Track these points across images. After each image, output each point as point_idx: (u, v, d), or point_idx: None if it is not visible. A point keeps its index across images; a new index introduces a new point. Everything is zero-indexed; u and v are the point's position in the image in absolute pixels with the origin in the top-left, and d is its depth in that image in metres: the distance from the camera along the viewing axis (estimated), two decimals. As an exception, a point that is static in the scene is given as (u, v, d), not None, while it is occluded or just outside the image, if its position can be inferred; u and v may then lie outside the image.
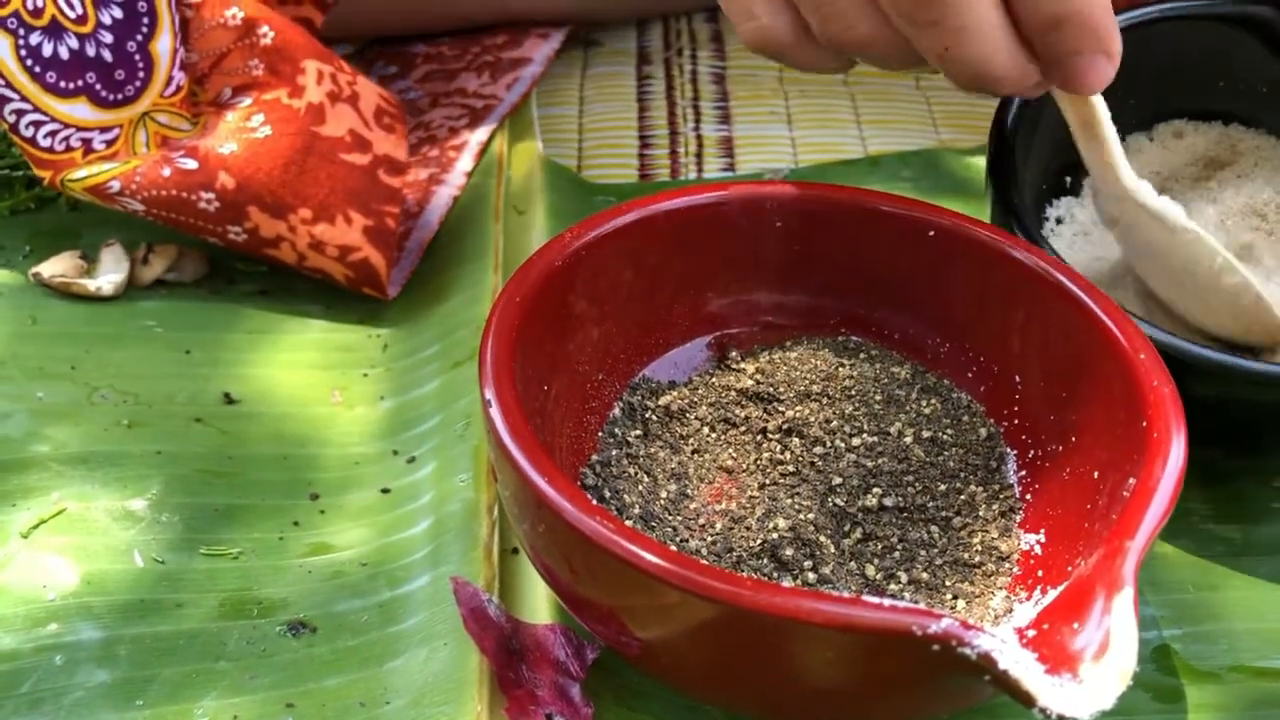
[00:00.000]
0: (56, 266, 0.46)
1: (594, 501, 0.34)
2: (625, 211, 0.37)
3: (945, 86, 0.60)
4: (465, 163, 0.52)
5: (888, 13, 0.33)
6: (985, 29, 0.32)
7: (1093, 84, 0.34)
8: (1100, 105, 0.37)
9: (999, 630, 0.26)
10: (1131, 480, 0.31)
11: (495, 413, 0.30)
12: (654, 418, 0.38)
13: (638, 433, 0.38)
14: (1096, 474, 0.34)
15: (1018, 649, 0.26)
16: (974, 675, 0.26)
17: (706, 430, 0.38)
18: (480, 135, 0.53)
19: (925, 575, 0.34)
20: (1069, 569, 0.33)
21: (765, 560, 0.34)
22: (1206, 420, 0.37)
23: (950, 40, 0.32)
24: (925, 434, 0.37)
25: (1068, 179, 0.45)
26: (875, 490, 0.36)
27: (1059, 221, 0.45)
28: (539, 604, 0.36)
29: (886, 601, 0.26)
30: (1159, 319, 0.40)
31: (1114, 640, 0.26)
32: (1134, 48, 0.43)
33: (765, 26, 0.35)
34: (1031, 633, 0.27)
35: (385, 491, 0.40)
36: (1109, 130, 0.38)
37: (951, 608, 0.34)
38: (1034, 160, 0.43)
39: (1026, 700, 0.25)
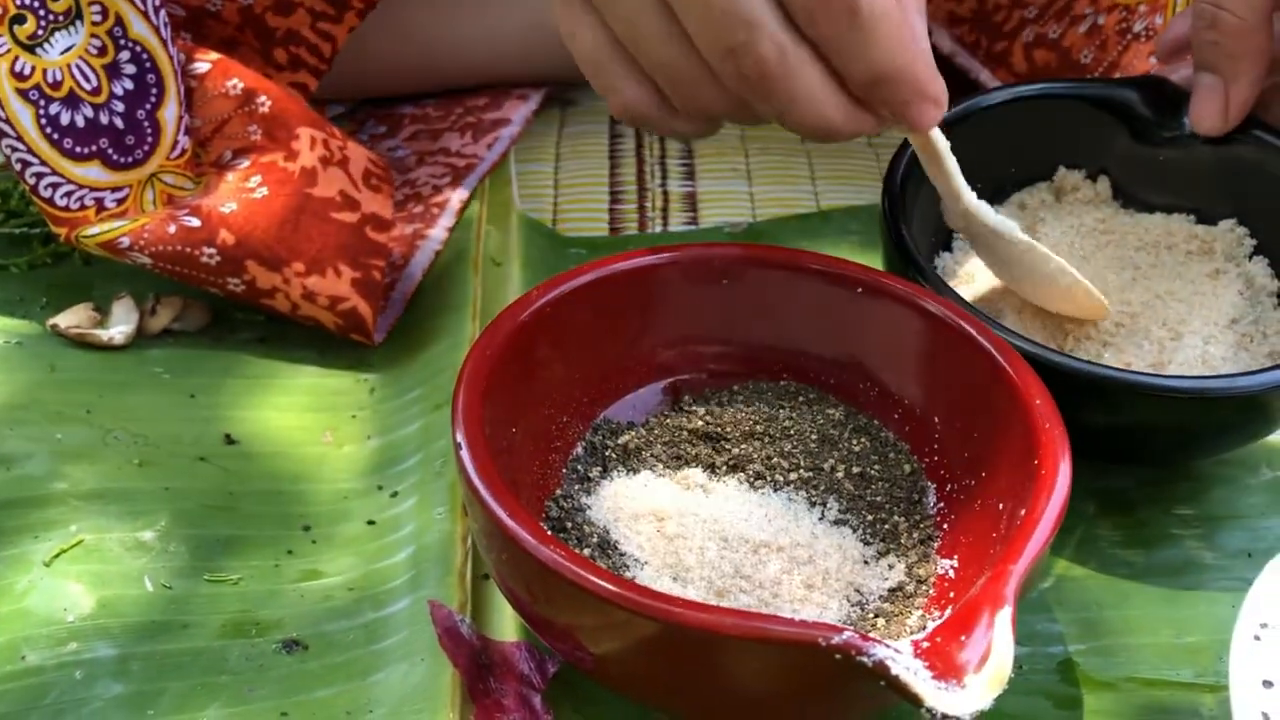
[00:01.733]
0: (72, 318, 0.51)
1: (558, 531, 0.39)
2: (585, 271, 0.42)
3: (894, 143, 0.65)
4: (447, 219, 0.56)
5: (732, 88, 0.36)
6: (814, 94, 0.35)
7: (924, 126, 0.37)
8: (939, 138, 0.41)
9: (896, 643, 0.30)
10: (1022, 511, 0.35)
11: (465, 455, 0.34)
12: (613, 455, 0.42)
13: (598, 469, 0.42)
14: (1001, 505, 0.38)
15: (910, 658, 0.30)
16: (872, 681, 0.30)
17: (660, 466, 0.42)
18: (461, 193, 0.58)
19: None
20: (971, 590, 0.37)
21: (709, 578, 0.38)
22: (1109, 439, 0.42)
23: (784, 107, 0.35)
24: (855, 469, 0.42)
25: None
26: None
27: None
28: (506, 624, 0.40)
29: (796, 617, 0.30)
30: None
31: (994, 651, 0.30)
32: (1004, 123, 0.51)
33: (629, 100, 0.37)
34: (925, 644, 0.31)
35: (371, 523, 0.44)
36: (950, 160, 0.42)
37: (873, 625, 0.38)
38: (922, 213, 0.48)
39: (915, 701, 0.29)
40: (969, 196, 0.43)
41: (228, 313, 0.52)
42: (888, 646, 0.30)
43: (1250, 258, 0.49)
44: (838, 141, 0.38)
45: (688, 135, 0.40)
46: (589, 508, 0.40)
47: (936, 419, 0.42)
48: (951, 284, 0.47)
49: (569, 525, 0.40)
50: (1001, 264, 0.46)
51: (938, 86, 0.36)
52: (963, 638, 0.30)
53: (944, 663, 0.30)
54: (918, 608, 0.38)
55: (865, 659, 0.29)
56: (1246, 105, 0.47)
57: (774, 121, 0.38)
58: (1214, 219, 0.50)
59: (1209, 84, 0.47)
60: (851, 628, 0.30)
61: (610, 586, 0.31)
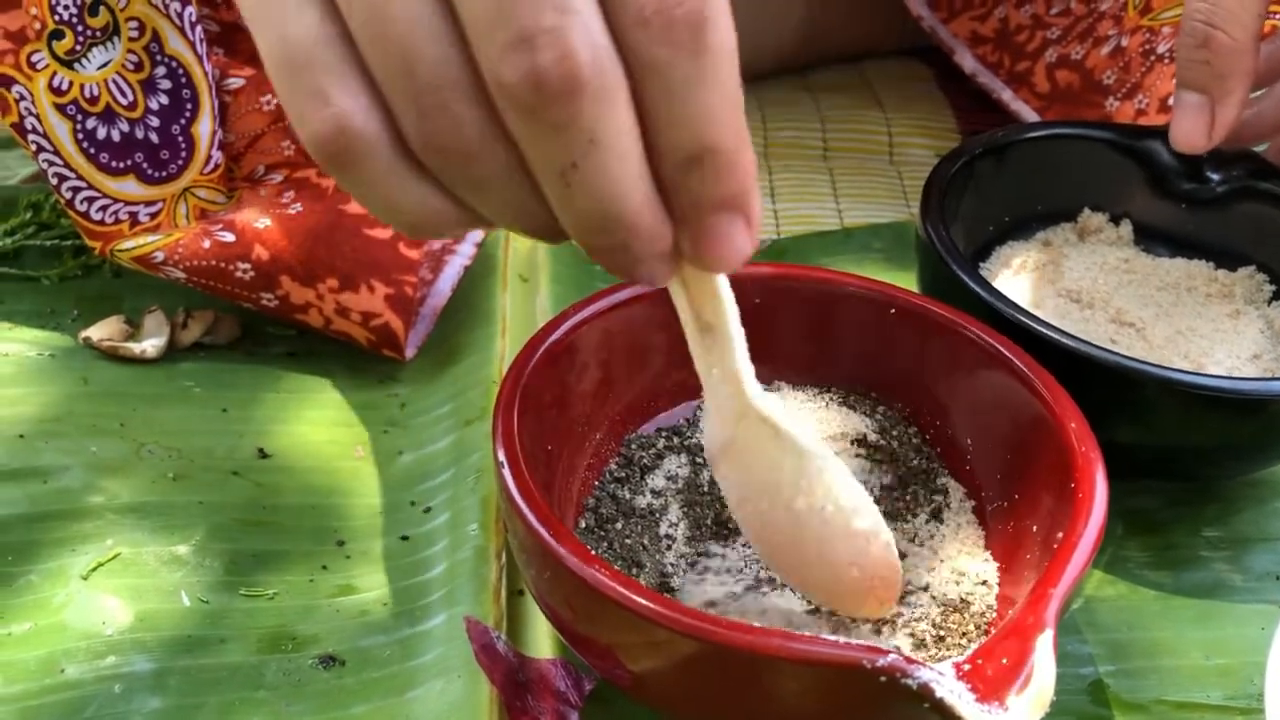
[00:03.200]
0: (104, 330, 0.51)
1: (590, 546, 0.39)
2: (617, 290, 0.42)
3: (915, 161, 0.65)
4: (475, 234, 0.57)
5: (506, 109, 0.24)
6: (620, 147, 0.25)
7: (726, 254, 0.27)
8: (726, 292, 0.30)
9: (938, 664, 0.31)
10: (1059, 534, 0.36)
11: (507, 474, 0.35)
12: (646, 466, 0.43)
13: (630, 484, 0.42)
14: (1035, 527, 0.38)
15: (953, 680, 0.30)
16: (915, 703, 0.30)
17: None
18: (489, 208, 0.58)
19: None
20: (1010, 611, 0.38)
21: (745, 593, 0.38)
22: (1141, 447, 0.43)
23: (579, 153, 0.24)
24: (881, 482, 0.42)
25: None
26: None
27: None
28: (542, 640, 0.40)
29: (841, 639, 0.30)
30: None
31: (1036, 674, 0.30)
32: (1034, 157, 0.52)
33: (340, 114, 0.25)
34: (967, 666, 0.31)
35: (404, 539, 0.44)
36: (734, 326, 0.31)
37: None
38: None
39: (958, 723, 0.29)
40: (753, 383, 0.32)
41: (258, 326, 0.53)
42: (931, 669, 0.30)
43: (1270, 303, 0.50)
44: (616, 256, 0.27)
45: (402, 209, 0.27)
46: (621, 520, 0.41)
47: (969, 441, 0.42)
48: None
49: (600, 537, 0.40)
50: (767, 496, 0.33)
51: (756, 204, 0.26)
52: (1004, 660, 0.31)
53: (987, 685, 0.30)
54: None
55: (910, 681, 0.30)
56: (1231, 125, 0.47)
57: (541, 217, 0.26)
58: (1233, 266, 0.51)
59: (1196, 103, 0.47)
60: (895, 649, 0.30)
61: (655, 607, 0.31)
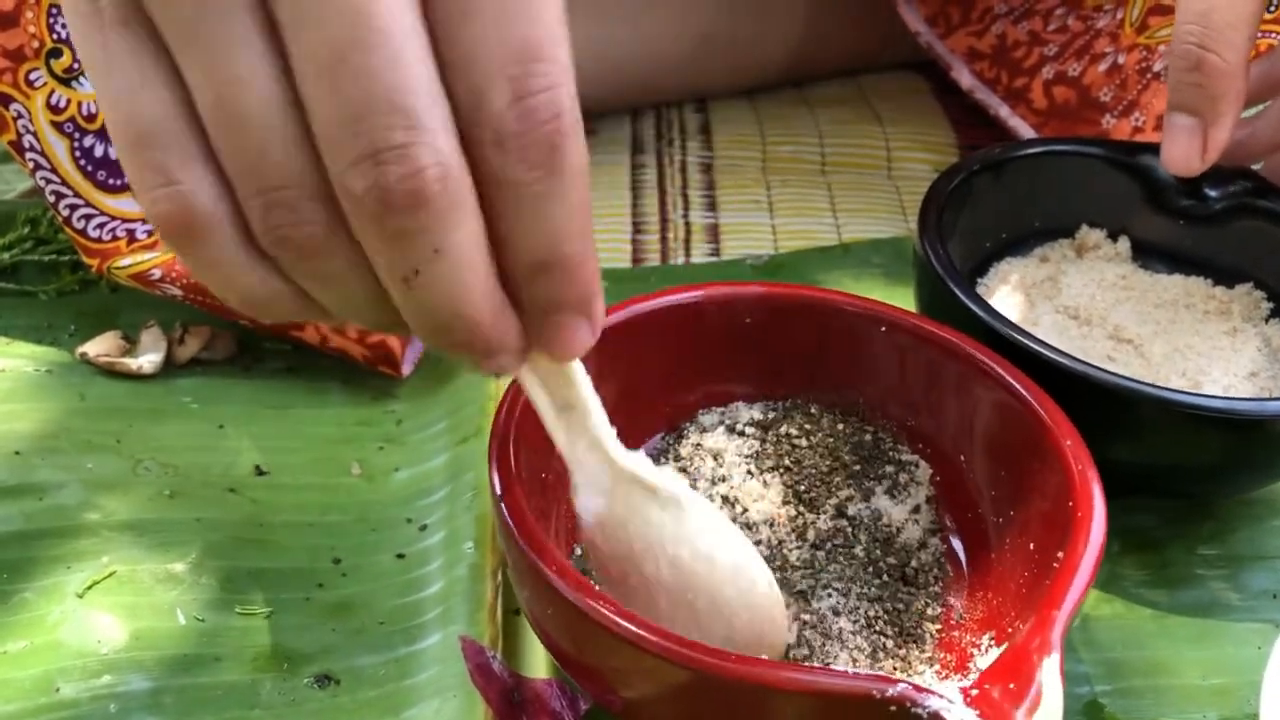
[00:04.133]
0: (101, 346, 0.51)
1: (583, 571, 0.39)
2: (613, 312, 0.42)
3: (913, 176, 0.65)
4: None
5: (351, 214, 0.25)
6: (467, 254, 0.25)
7: (571, 347, 0.28)
8: (579, 371, 0.31)
9: (946, 691, 0.30)
10: (1060, 554, 0.36)
11: (504, 507, 0.34)
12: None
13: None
14: (1031, 545, 0.38)
15: (963, 708, 0.30)
16: (926, 732, 0.30)
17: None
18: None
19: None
20: (1008, 629, 0.38)
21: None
22: (1137, 466, 0.43)
23: (422, 261, 0.25)
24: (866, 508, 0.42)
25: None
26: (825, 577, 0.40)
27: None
28: (537, 661, 0.40)
29: (850, 669, 0.30)
30: None
31: (1044, 698, 0.30)
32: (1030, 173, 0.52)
33: (187, 195, 0.25)
34: (974, 692, 0.30)
35: (400, 556, 0.44)
36: (592, 400, 0.32)
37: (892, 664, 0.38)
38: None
39: (968, 750, 0.29)
40: (618, 447, 0.32)
41: (255, 342, 0.53)
42: (941, 696, 0.30)
43: (1267, 320, 0.50)
44: (464, 355, 0.27)
45: (246, 291, 0.27)
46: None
47: (962, 457, 0.42)
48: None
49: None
50: (652, 557, 0.33)
51: (599, 306, 0.28)
52: (1012, 685, 0.31)
53: (995, 711, 0.30)
54: (938, 641, 0.39)
55: (920, 710, 0.29)
56: (1223, 147, 0.47)
57: (385, 314, 0.27)
58: (1231, 283, 0.51)
59: (1188, 125, 0.47)
60: (904, 679, 0.30)
61: (668, 644, 0.30)
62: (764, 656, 0.35)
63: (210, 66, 0.24)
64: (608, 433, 0.32)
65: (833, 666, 0.36)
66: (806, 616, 0.37)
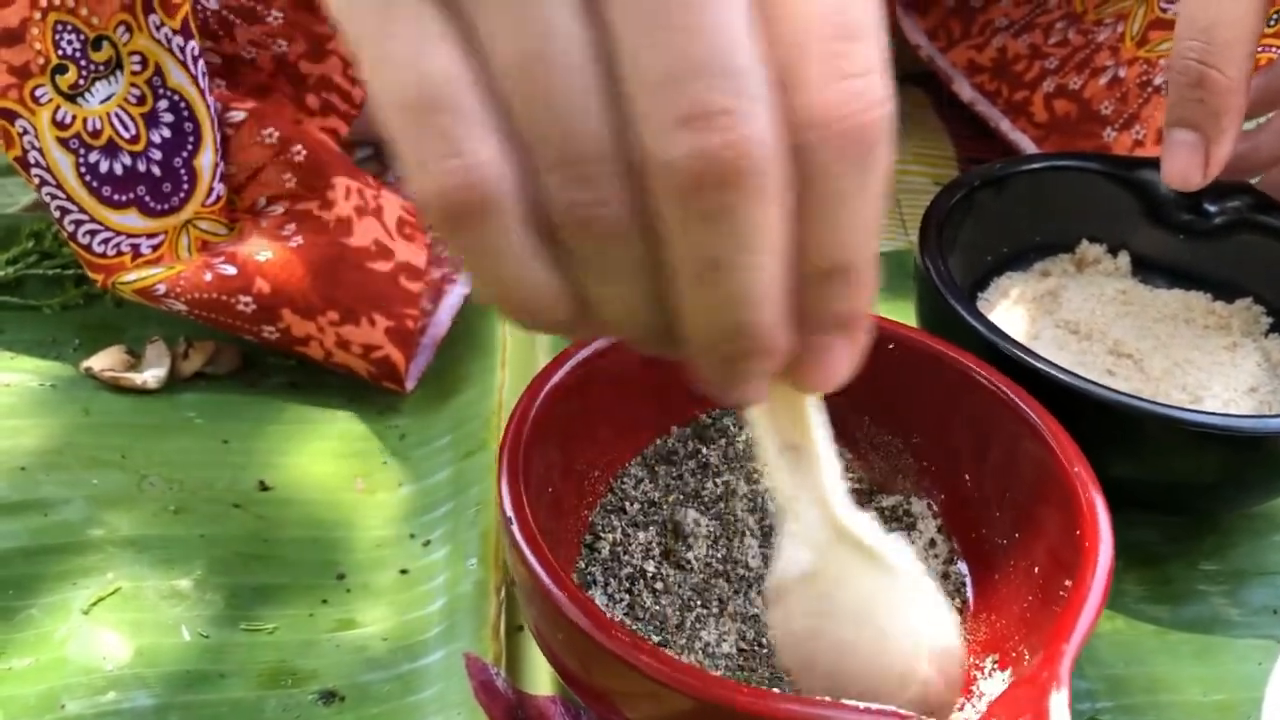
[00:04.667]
0: (105, 361, 0.51)
1: (588, 584, 0.39)
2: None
3: (914, 189, 0.66)
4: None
5: (660, 189, 0.22)
6: (770, 250, 0.23)
7: (832, 373, 0.26)
8: (816, 411, 0.29)
9: None
10: (1068, 582, 0.35)
11: (514, 526, 0.34)
12: (638, 507, 0.43)
13: (625, 519, 0.42)
14: (1036, 568, 0.38)
15: None
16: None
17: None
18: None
19: None
20: (1011, 653, 0.38)
21: (732, 633, 0.39)
22: (1139, 482, 0.43)
23: (727, 249, 0.22)
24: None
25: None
26: None
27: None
28: (541, 677, 0.40)
29: (861, 705, 0.30)
30: None
31: None
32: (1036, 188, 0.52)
33: (474, 167, 0.22)
34: None
35: (404, 572, 0.44)
36: (824, 445, 0.29)
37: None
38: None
39: (977, 782, 0.29)
40: (844, 503, 0.30)
41: (259, 357, 0.53)
42: (954, 730, 0.30)
43: (1267, 335, 0.50)
44: (725, 372, 0.25)
45: (519, 283, 0.23)
46: (617, 557, 0.41)
47: (967, 477, 0.42)
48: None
49: (597, 573, 0.40)
50: (853, 623, 0.30)
51: (865, 333, 0.26)
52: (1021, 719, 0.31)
53: None
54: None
55: None
56: (1225, 162, 0.47)
57: (669, 330, 0.24)
58: (1230, 298, 0.51)
59: (1190, 141, 0.47)
60: (917, 715, 0.30)
61: (670, 671, 0.30)
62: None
63: (514, 19, 0.21)
64: (838, 487, 0.29)
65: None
66: None
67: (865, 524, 0.30)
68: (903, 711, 0.30)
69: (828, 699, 0.30)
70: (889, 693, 0.31)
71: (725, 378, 0.25)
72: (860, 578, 0.30)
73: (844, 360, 0.25)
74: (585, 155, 0.22)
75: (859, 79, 0.22)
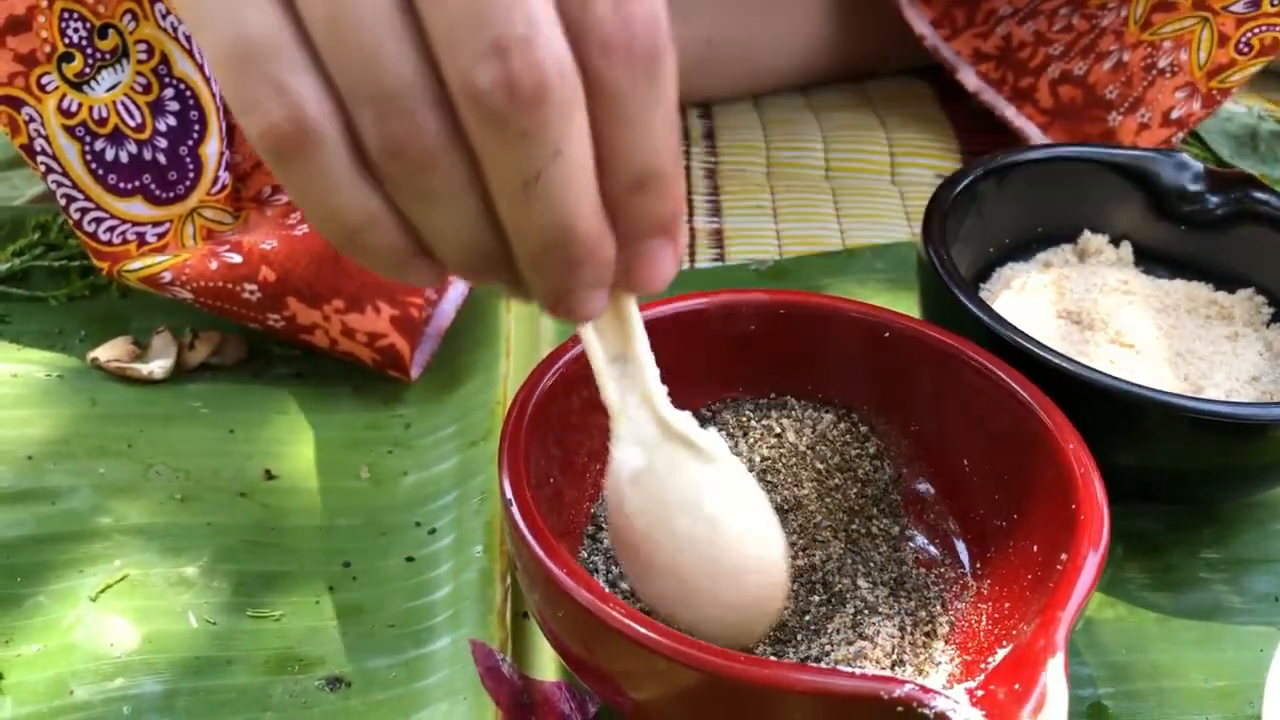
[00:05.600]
0: (112, 351, 0.51)
1: (590, 572, 0.39)
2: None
3: (917, 181, 0.66)
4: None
5: (472, 117, 0.24)
6: (582, 160, 0.25)
7: (658, 276, 0.28)
8: (638, 323, 0.32)
9: (952, 692, 0.31)
10: (1063, 556, 0.36)
11: (515, 510, 0.35)
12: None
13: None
14: (1035, 548, 0.39)
15: (968, 708, 0.30)
16: (933, 732, 0.30)
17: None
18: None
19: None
20: (1014, 631, 0.38)
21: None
22: (1139, 471, 0.43)
23: (544, 162, 0.25)
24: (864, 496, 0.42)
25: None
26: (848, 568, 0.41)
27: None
28: (547, 663, 0.40)
29: (856, 670, 0.30)
30: None
31: (1049, 698, 0.31)
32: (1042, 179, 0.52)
33: (297, 104, 0.24)
34: (980, 693, 0.31)
35: (409, 560, 0.45)
36: (647, 354, 0.32)
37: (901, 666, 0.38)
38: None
39: (974, 750, 0.30)
40: (667, 403, 0.33)
41: (264, 347, 0.53)
42: (947, 697, 0.30)
43: (1269, 325, 0.50)
44: (558, 274, 0.27)
45: (347, 212, 0.26)
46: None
47: (965, 462, 0.42)
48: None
49: (598, 561, 0.40)
50: (686, 514, 0.33)
51: (683, 233, 0.28)
52: (1017, 685, 0.31)
53: (1001, 711, 0.30)
54: (946, 645, 0.39)
55: (927, 710, 0.30)
56: None
57: (496, 249, 0.27)
58: (1232, 288, 0.52)
59: None
60: (911, 680, 0.30)
61: (670, 643, 0.31)
62: (761, 620, 0.35)
63: None
64: (659, 388, 0.32)
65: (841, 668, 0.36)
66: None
67: (686, 419, 0.33)
68: (889, 674, 0.30)
69: (823, 666, 0.30)
70: (726, 583, 0.33)
71: (560, 292, 0.27)
72: (686, 467, 0.33)
73: (668, 261, 0.28)
74: (394, 92, 0.24)
75: (640, 3, 0.25)
